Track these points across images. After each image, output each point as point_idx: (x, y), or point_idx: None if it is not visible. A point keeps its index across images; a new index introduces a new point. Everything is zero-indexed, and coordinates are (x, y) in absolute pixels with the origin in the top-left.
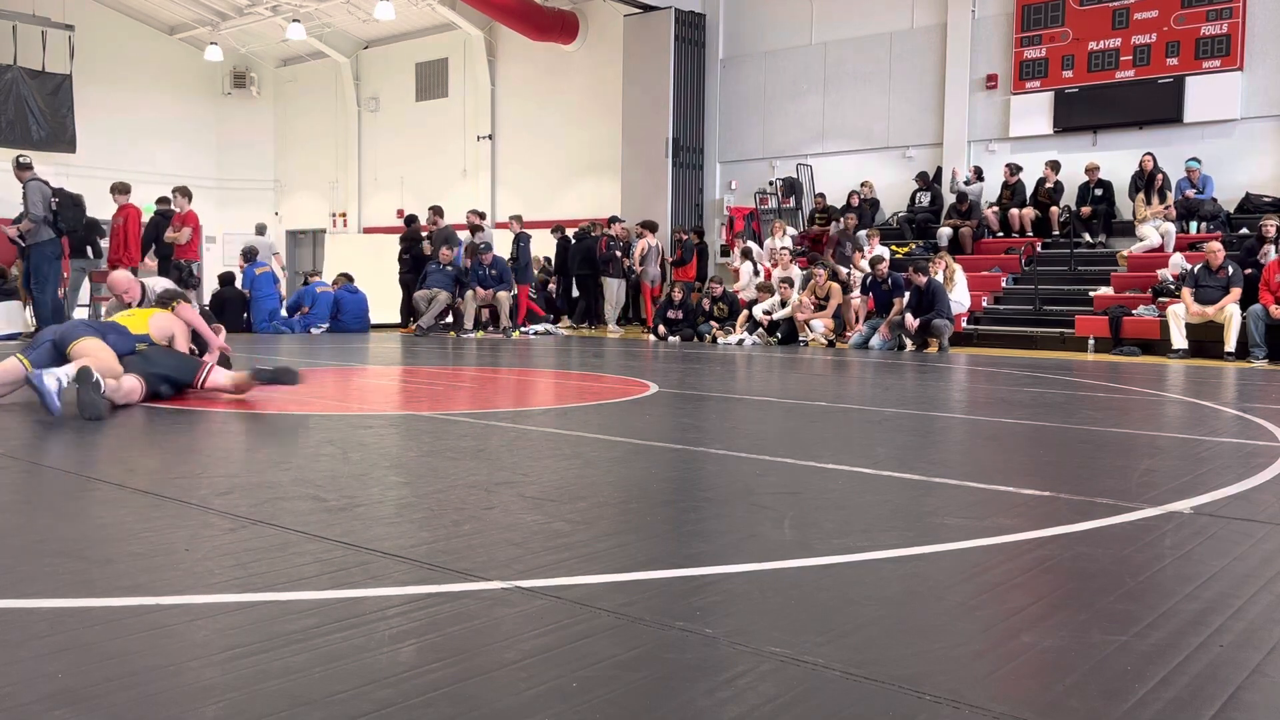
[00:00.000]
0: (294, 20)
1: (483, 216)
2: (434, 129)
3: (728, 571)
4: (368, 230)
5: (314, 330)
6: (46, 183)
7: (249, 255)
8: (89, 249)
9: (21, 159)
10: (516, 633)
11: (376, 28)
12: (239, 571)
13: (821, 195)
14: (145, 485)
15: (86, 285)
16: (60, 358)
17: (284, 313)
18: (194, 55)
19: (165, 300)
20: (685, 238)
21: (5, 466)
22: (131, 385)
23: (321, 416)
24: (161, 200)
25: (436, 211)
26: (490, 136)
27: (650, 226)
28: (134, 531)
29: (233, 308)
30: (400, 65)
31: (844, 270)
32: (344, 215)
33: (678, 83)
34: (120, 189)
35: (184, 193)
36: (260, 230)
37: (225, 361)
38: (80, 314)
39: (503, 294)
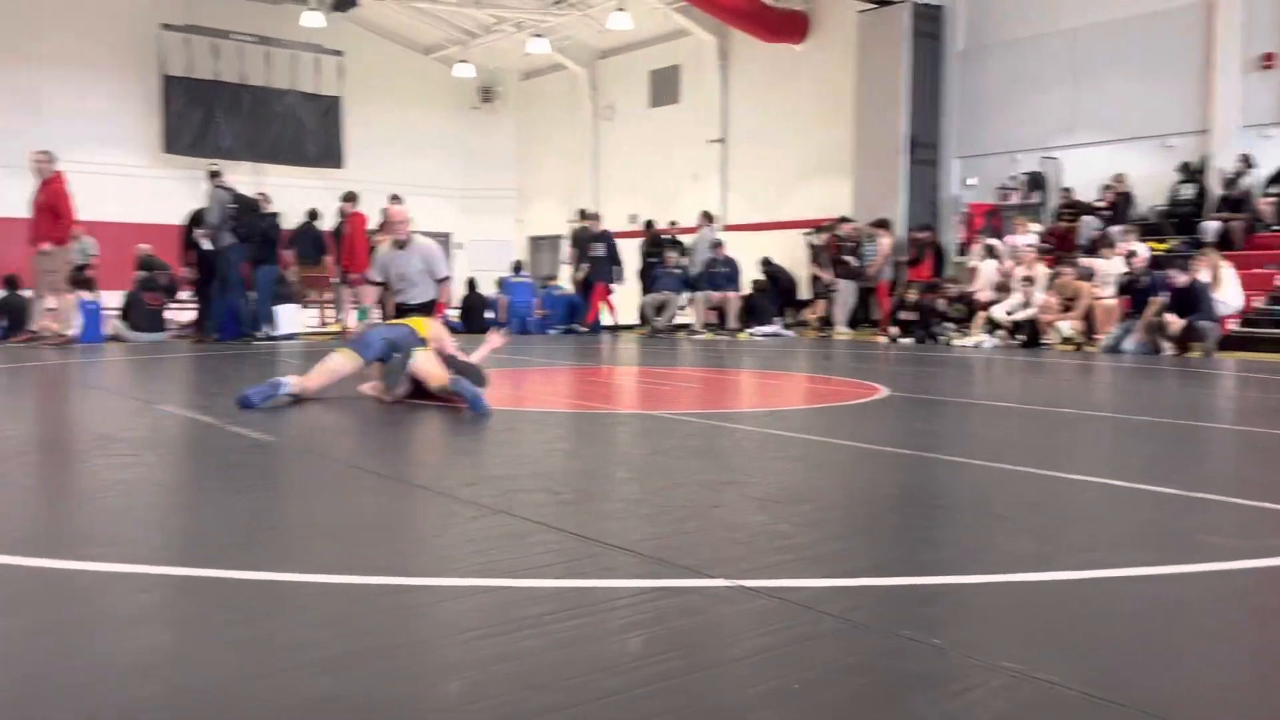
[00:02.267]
0: (536, 35)
1: (711, 219)
2: (666, 134)
3: (959, 582)
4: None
5: (551, 332)
6: (231, 190)
7: (515, 268)
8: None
9: (212, 168)
10: (740, 631)
11: (613, 38)
12: (480, 558)
13: (1069, 189)
14: (400, 474)
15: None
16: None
17: (537, 314)
18: (445, 73)
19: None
20: (921, 237)
21: (289, 457)
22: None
23: (556, 414)
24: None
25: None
26: (720, 140)
27: (884, 225)
28: (388, 516)
29: (475, 312)
30: (635, 73)
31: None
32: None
33: (913, 78)
34: (348, 198)
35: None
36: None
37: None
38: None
39: (732, 294)
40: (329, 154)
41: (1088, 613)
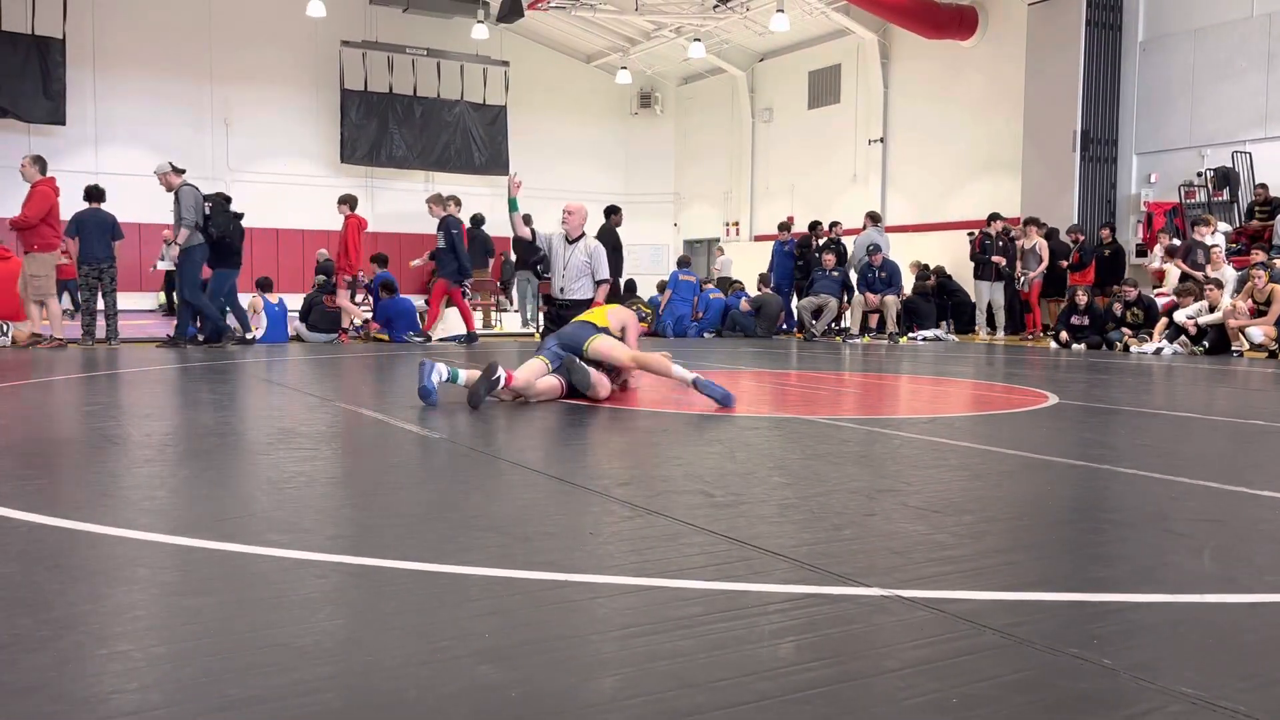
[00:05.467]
0: (695, 40)
1: (877, 220)
2: (825, 136)
3: (1132, 600)
4: (758, 238)
5: (706, 335)
6: (197, 188)
7: (681, 263)
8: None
9: (175, 165)
10: (895, 641)
11: (771, 40)
12: (634, 556)
13: (1263, 186)
14: (559, 473)
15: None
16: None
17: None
18: (606, 80)
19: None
20: (1081, 238)
21: (453, 453)
22: (550, 384)
23: (711, 417)
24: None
25: (227, 195)
26: (881, 140)
27: (1036, 223)
28: (548, 513)
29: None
30: (793, 75)
31: None
32: (736, 224)
33: (1088, 71)
34: (345, 201)
35: (456, 201)
36: (720, 250)
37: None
38: None
39: (890, 298)
40: (495, 161)
41: (1277, 639)
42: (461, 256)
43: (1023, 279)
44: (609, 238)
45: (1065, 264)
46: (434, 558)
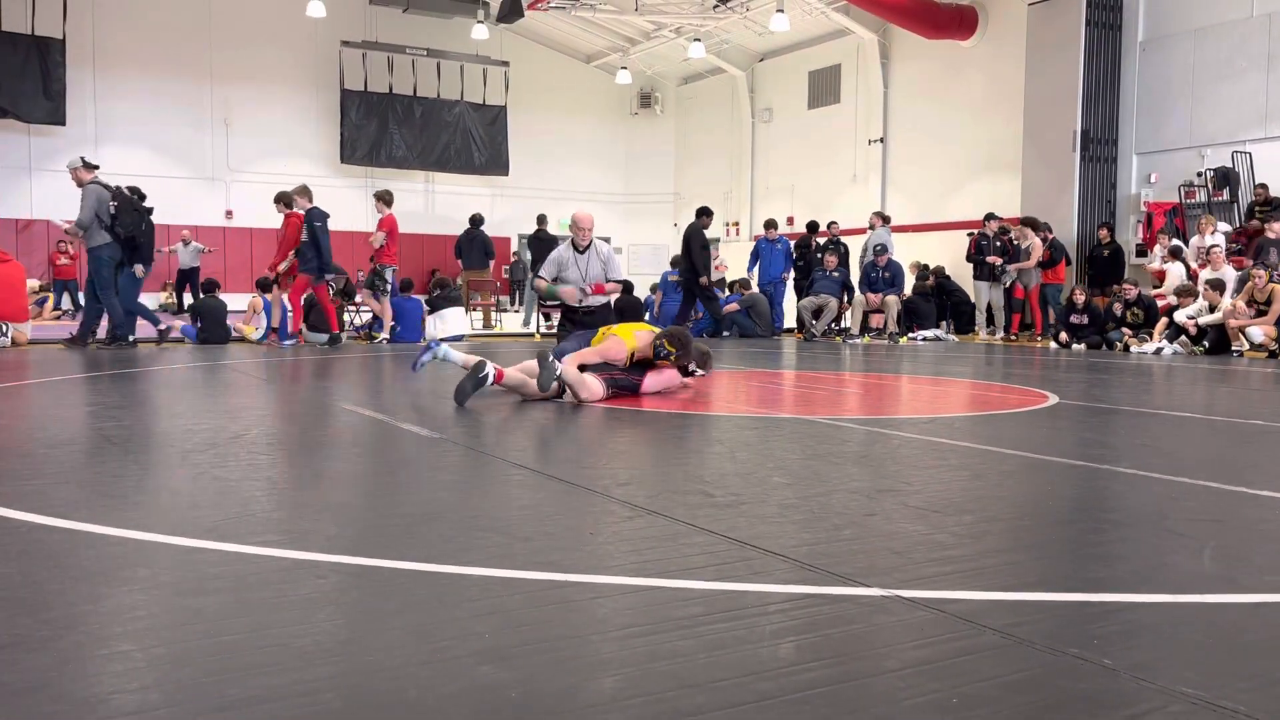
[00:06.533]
0: (695, 40)
1: (886, 220)
2: (825, 136)
3: (1132, 600)
4: (757, 239)
5: (704, 335)
6: (107, 186)
7: (674, 263)
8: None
9: (86, 160)
10: (896, 641)
11: (771, 40)
12: (634, 557)
13: (1264, 186)
14: (559, 473)
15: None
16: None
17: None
18: (606, 80)
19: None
20: (1052, 237)
21: (454, 452)
22: (594, 387)
23: (711, 416)
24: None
25: (139, 191)
26: (881, 140)
27: (1032, 223)
28: (548, 513)
29: (629, 314)
30: (793, 75)
31: None
32: (735, 225)
33: (1088, 71)
34: (281, 199)
35: (385, 199)
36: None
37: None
38: None
39: (891, 298)
40: (495, 162)
41: (1277, 639)
42: (323, 253)
43: (1005, 273)
44: (696, 238)
45: (1038, 262)
46: (434, 558)
